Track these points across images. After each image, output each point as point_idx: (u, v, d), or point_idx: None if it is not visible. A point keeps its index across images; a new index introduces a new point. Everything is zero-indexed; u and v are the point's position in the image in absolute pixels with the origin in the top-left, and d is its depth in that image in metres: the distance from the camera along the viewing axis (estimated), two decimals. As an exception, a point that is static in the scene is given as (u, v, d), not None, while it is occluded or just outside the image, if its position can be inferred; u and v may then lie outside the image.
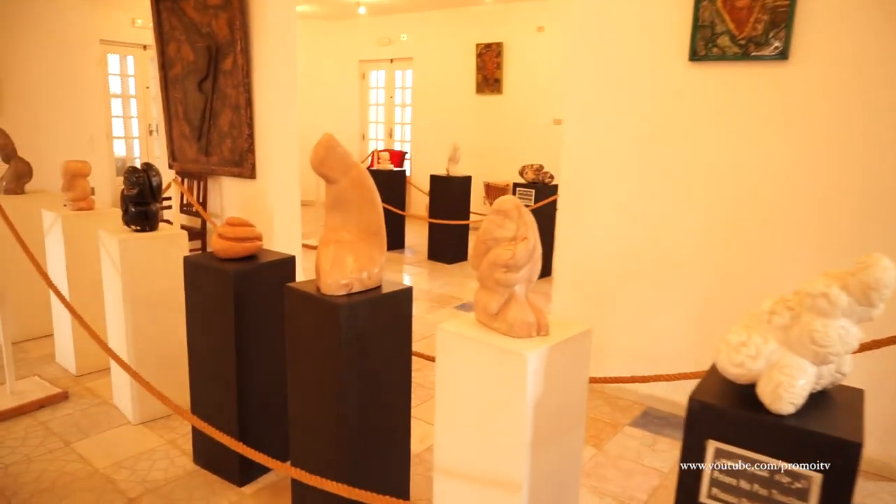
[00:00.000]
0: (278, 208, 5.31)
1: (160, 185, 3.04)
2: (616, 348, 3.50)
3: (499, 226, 1.68)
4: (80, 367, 3.63)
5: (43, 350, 4.00)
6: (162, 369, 3.10)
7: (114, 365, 3.25)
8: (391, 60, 9.77)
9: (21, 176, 4.14)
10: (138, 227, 3.02)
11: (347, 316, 1.97)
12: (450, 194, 6.45)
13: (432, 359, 3.09)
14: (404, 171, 7.24)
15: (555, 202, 6.15)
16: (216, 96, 5.42)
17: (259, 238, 2.53)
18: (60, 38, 7.91)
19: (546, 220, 6.19)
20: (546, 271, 6.19)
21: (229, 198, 5.62)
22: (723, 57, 2.95)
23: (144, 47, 8.70)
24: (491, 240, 1.70)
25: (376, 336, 2.10)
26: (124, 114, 8.81)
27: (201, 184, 5.69)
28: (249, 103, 5.16)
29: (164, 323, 3.07)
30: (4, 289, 4.07)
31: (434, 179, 6.59)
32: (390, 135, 10.02)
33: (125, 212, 3.02)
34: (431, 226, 6.65)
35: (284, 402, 2.47)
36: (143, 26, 8.54)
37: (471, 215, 6.73)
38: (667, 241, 3.31)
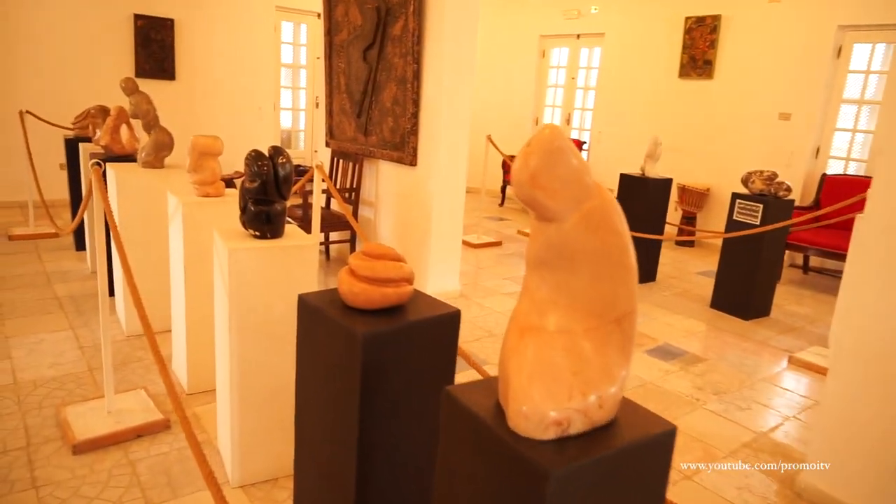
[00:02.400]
0: (439, 202, 4.47)
1: (290, 176, 2.26)
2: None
3: None
4: (191, 384, 3.04)
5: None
6: (269, 418, 2.35)
7: (220, 399, 2.57)
8: (577, 36, 8.59)
9: (161, 148, 3.64)
10: (257, 233, 2.26)
11: (559, 492, 0.99)
12: (643, 199, 5.23)
13: None
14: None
15: (789, 226, 4.74)
16: (381, 66, 4.67)
17: (409, 279, 1.63)
18: (238, 3, 7.72)
19: (777, 246, 4.80)
20: (763, 311, 4.81)
21: (385, 185, 4.89)
22: None
23: (319, 15, 8.28)
24: None
25: (601, 515, 1.11)
26: (293, 84, 8.53)
27: (357, 167, 5.01)
28: (417, 76, 4.35)
29: (278, 360, 2.31)
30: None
31: (624, 180, 5.40)
32: (567, 121, 8.88)
33: (243, 210, 2.28)
34: (614, 235, 5.48)
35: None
36: (318, -7, 8.14)
37: (665, 227, 5.47)
38: None
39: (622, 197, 5.40)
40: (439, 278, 4.60)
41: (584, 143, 8.41)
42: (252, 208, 2.23)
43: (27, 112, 5.39)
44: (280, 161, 2.23)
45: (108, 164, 3.74)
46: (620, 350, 1.12)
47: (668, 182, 5.37)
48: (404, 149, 4.52)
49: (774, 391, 3.58)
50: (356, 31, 4.84)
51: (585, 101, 8.68)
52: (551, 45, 9.00)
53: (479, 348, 3.82)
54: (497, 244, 6.47)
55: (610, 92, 8.06)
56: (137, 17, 6.98)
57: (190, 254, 2.88)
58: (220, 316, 2.39)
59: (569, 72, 8.82)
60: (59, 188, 6.14)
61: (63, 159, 5.89)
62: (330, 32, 5.20)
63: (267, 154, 2.23)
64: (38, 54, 6.52)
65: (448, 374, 1.70)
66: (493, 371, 3.18)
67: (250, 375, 2.28)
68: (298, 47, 8.43)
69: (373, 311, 1.59)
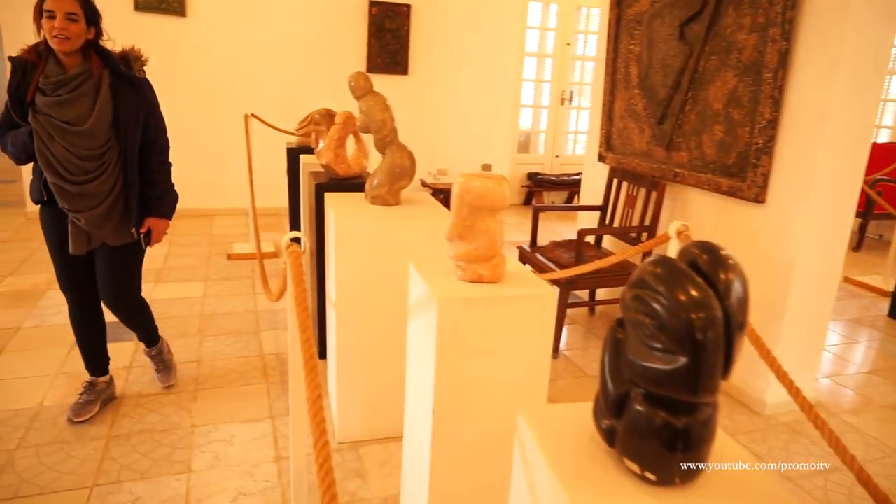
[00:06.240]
0: (805, 262, 2.78)
1: (747, 307, 0.83)
2: None
3: None
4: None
5: (389, 473, 2.33)
6: None
7: None
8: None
9: (398, 176, 2.46)
10: (652, 476, 0.86)
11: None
12: None
13: None
14: None
15: None
16: (711, 48, 3.08)
17: None
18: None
19: None
20: None
21: (700, 224, 3.29)
22: None
23: (574, -9, 6.87)
24: None
25: None
26: (537, 77, 7.21)
27: (653, 195, 3.48)
28: (784, 61, 2.70)
29: None
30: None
31: None
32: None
33: (614, 409, 0.89)
34: None
35: None
36: (576, -36, 6.69)
37: None
38: None
39: None
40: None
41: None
42: (643, 412, 0.83)
43: (252, 115, 4.71)
44: (728, 280, 0.81)
45: (327, 193, 2.68)
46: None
47: None
48: (744, 174, 2.89)
49: None
50: (667, -3, 3.29)
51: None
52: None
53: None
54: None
55: None
56: (372, 3, 6.14)
57: (445, 377, 1.60)
58: None
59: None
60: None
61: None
62: (620, 3, 3.72)
63: (688, 262, 0.82)
64: (268, 48, 5.95)
65: None
66: None
67: None
68: (545, 32, 7.08)
69: None
